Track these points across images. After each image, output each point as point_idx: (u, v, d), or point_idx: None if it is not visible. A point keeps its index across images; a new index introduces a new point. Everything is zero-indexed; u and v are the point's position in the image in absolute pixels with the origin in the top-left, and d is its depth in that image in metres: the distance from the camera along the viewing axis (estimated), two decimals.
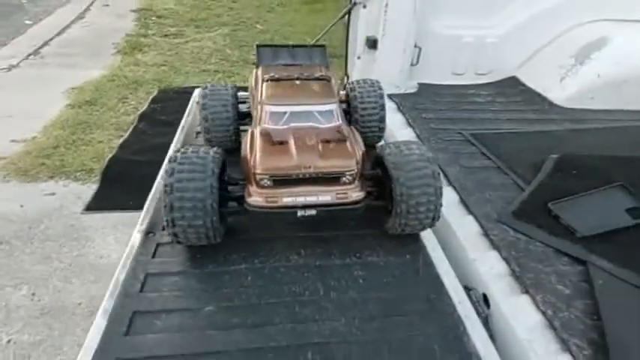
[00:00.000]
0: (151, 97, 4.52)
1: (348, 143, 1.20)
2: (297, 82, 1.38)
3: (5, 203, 3.01)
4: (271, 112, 1.25)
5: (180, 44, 5.96)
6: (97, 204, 3.10)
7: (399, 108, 2.23)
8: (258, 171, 1.12)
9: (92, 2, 7.36)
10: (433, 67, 2.50)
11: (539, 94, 2.43)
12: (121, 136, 3.84)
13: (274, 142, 1.17)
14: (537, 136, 2.00)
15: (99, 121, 4.03)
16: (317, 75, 1.42)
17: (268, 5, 7.94)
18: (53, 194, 3.15)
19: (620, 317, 1.10)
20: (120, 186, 3.25)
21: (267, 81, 1.37)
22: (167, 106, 4.37)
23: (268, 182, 1.13)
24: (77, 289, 2.47)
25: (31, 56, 5.23)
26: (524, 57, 2.62)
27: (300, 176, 1.13)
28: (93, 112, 4.16)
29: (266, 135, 1.19)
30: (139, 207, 3.41)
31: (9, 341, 2.20)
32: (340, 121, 1.29)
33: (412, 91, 2.46)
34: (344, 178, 1.16)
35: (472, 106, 2.31)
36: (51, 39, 5.75)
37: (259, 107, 1.31)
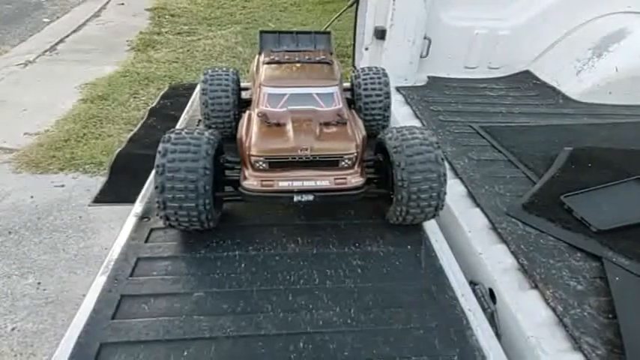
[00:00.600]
0: (161, 93, 4.55)
1: (347, 126, 1.16)
2: (298, 64, 1.34)
3: (16, 194, 3.06)
4: (269, 94, 1.21)
5: (193, 42, 6.01)
6: (104, 196, 3.12)
7: (406, 100, 2.17)
8: (253, 152, 1.08)
9: (108, 1, 7.50)
10: (443, 59, 2.43)
11: (553, 88, 2.34)
12: (131, 130, 3.87)
13: (271, 124, 1.13)
14: (551, 129, 1.92)
15: (110, 116, 4.07)
16: (318, 58, 1.38)
17: (281, 5, 7.96)
18: (62, 186, 3.18)
19: (638, 316, 1.02)
20: (127, 179, 3.26)
21: (266, 64, 1.33)
22: (177, 102, 4.39)
23: (264, 165, 1.09)
24: (81, 279, 2.47)
25: (47, 52, 5.34)
26: (538, 50, 2.52)
27: (297, 159, 1.08)
28: (104, 107, 4.21)
29: (263, 116, 1.15)
30: None
31: (13, 329, 2.22)
32: (341, 105, 1.24)
33: (421, 84, 2.40)
34: (343, 163, 1.11)
35: (483, 99, 2.23)
36: (67, 36, 5.87)
37: (258, 90, 1.27)
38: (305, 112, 1.19)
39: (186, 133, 1.12)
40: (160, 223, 1.23)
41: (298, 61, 1.35)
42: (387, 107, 1.64)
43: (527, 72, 2.51)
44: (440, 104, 2.13)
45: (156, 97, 4.46)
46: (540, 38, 2.48)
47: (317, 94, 1.22)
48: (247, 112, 1.24)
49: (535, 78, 2.45)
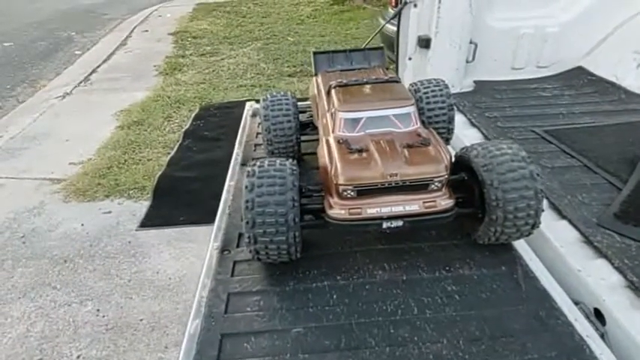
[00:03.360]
0: (193, 115, 4.63)
1: (432, 147, 1.12)
2: (368, 85, 1.31)
3: (67, 223, 3.15)
4: (346, 118, 1.19)
5: (217, 62, 6.13)
6: (150, 220, 3.16)
7: (458, 108, 2.11)
8: (340, 181, 1.05)
9: (133, 29, 7.77)
10: (490, 63, 2.37)
11: (612, 84, 2.22)
12: (169, 153, 3.95)
13: (353, 151, 1.10)
14: (621, 128, 1.82)
15: (147, 140, 4.17)
16: (386, 77, 1.35)
17: (298, 18, 8.04)
18: (109, 212, 3.25)
19: None
20: (170, 202, 3.32)
21: (335, 87, 1.31)
22: (209, 122, 4.46)
23: (351, 193, 1.06)
24: (138, 304, 2.50)
25: (82, 83, 5.55)
26: (590, 45, 2.42)
27: (386, 185, 1.05)
28: (141, 132, 4.31)
29: (344, 143, 1.12)
30: (190, 222, 3.38)
31: (79, 357, 2.25)
32: (418, 124, 1.21)
33: (469, 89, 2.34)
34: (432, 185, 1.07)
35: (538, 101, 2.14)
36: (98, 66, 6.09)
37: (330, 115, 1.25)
38: (384, 134, 1.15)
39: (268, 165, 1.11)
40: (242, 256, 1.21)
41: (367, 82, 1.33)
42: (451, 120, 1.59)
43: (579, 68, 2.40)
44: (494, 110, 2.07)
45: (188, 119, 4.54)
46: (591, 32, 2.38)
47: (394, 115, 1.19)
48: (323, 139, 1.22)
49: (589, 74, 2.34)
